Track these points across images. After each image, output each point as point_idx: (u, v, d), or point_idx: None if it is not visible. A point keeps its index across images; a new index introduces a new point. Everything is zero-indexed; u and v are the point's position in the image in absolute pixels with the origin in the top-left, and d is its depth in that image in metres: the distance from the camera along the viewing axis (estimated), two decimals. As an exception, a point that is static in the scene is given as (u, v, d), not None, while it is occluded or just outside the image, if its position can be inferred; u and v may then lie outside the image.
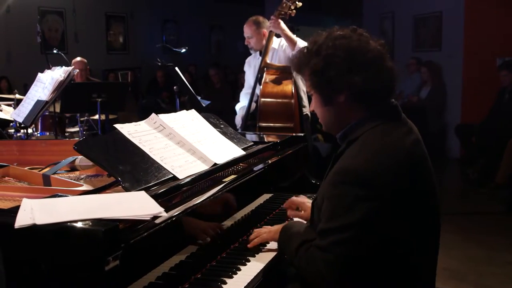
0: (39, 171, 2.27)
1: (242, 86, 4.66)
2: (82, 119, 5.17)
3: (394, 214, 1.46)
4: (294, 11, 4.05)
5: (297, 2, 4.01)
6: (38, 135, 4.47)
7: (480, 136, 6.50)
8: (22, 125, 3.15)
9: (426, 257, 1.60)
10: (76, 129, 5.22)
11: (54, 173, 2.16)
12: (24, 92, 5.45)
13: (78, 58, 6.08)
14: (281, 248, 1.73)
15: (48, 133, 4.54)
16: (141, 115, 7.92)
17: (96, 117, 4.95)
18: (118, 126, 1.87)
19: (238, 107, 4.48)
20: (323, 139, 6.35)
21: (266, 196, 2.48)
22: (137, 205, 1.41)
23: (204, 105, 3.86)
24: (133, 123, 1.96)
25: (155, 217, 1.42)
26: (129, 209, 1.36)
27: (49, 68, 3.66)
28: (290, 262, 1.64)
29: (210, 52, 12.06)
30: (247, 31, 4.30)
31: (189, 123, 2.17)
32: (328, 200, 1.51)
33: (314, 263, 1.48)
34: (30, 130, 3.71)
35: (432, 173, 1.60)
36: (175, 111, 2.93)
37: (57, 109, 4.17)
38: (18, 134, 3.93)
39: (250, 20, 4.32)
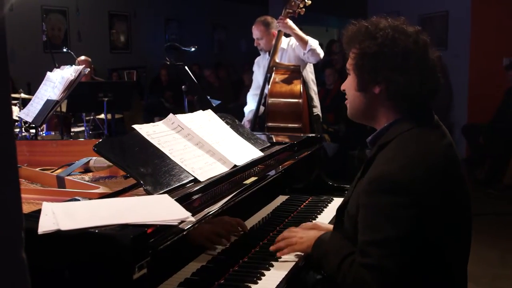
0: (52, 172, 2.21)
1: (247, 86, 4.61)
2: (87, 118, 5.13)
3: (433, 220, 1.42)
4: (303, 9, 3.99)
5: (306, 0, 3.96)
6: (44, 134, 4.42)
7: (487, 136, 6.45)
8: (31, 125, 3.09)
9: (460, 262, 1.57)
10: (81, 128, 5.18)
11: (69, 175, 2.11)
12: (27, 91, 5.40)
13: (83, 57, 6.02)
14: (317, 262, 1.66)
15: (53, 133, 4.49)
16: (145, 115, 7.84)
17: (102, 116, 4.91)
18: (136, 126, 1.82)
19: (247, 109, 4.42)
20: (330, 139, 6.31)
21: (282, 198, 2.44)
22: (162, 209, 1.36)
23: (214, 105, 3.80)
24: (151, 124, 1.91)
25: (180, 222, 1.37)
26: (155, 213, 1.31)
27: (55, 67, 3.61)
28: (331, 278, 1.57)
29: (213, 52, 12.00)
30: (256, 32, 4.21)
31: (206, 124, 2.12)
32: (365, 209, 1.46)
33: (363, 284, 1.42)
34: (34, 130, 3.65)
35: (464, 177, 1.56)
36: (180, 110, 2.88)
37: (63, 109, 4.12)
38: (23, 134, 3.87)
39: (259, 21, 4.22)
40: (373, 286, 1.40)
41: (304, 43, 3.93)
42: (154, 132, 1.84)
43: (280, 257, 1.75)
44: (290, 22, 3.97)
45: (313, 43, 3.95)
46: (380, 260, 1.39)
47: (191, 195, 1.61)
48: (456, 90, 7.68)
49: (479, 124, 6.74)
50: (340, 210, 1.68)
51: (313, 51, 3.95)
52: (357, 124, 1.87)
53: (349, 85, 1.62)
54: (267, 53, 4.21)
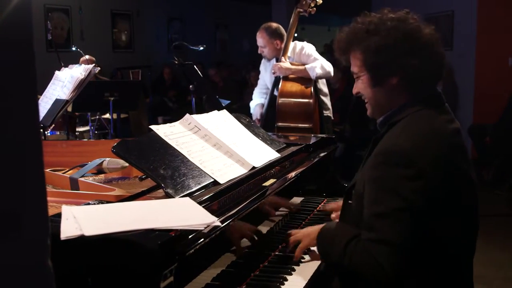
0: (64, 173, 2.17)
1: (252, 85, 4.53)
2: (93, 118, 5.08)
3: (436, 196, 1.42)
4: (314, 8, 3.93)
5: (317, 0, 3.90)
6: (49, 134, 4.37)
7: (494, 137, 6.40)
8: (40, 125, 3.03)
9: (465, 249, 1.55)
10: (86, 128, 5.13)
11: (82, 176, 2.06)
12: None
13: (87, 56, 5.95)
14: (323, 251, 1.62)
15: (58, 133, 4.44)
16: (149, 114, 7.74)
17: (107, 116, 4.86)
18: (153, 127, 1.77)
19: (253, 104, 4.34)
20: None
21: (296, 200, 2.40)
22: (187, 213, 1.31)
23: (224, 105, 3.74)
24: (168, 124, 1.87)
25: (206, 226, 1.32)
26: (180, 218, 1.26)
27: (62, 66, 3.56)
28: (337, 264, 1.53)
29: (215, 51, 11.95)
30: (259, 40, 4.04)
31: (222, 124, 2.07)
32: (370, 183, 1.46)
33: (369, 258, 1.39)
34: (42, 130, 3.60)
35: (470, 164, 1.56)
36: (183, 109, 2.84)
37: (68, 108, 4.07)
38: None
39: (262, 28, 4.05)
40: (379, 260, 1.37)
41: (304, 71, 3.87)
42: (171, 133, 1.80)
43: (301, 261, 1.71)
44: (284, 64, 3.89)
45: (316, 69, 3.85)
46: (385, 233, 1.38)
47: (213, 198, 1.56)
48: (462, 90, 7.63)
49: (485, 124, 6.69)
50: (347, 192, 1.67)
51: (320, 76, 3.88)
52: (362, 124, 1.89)
53: (363, 86, 1.62)
54: (272, 60, 4.09)
